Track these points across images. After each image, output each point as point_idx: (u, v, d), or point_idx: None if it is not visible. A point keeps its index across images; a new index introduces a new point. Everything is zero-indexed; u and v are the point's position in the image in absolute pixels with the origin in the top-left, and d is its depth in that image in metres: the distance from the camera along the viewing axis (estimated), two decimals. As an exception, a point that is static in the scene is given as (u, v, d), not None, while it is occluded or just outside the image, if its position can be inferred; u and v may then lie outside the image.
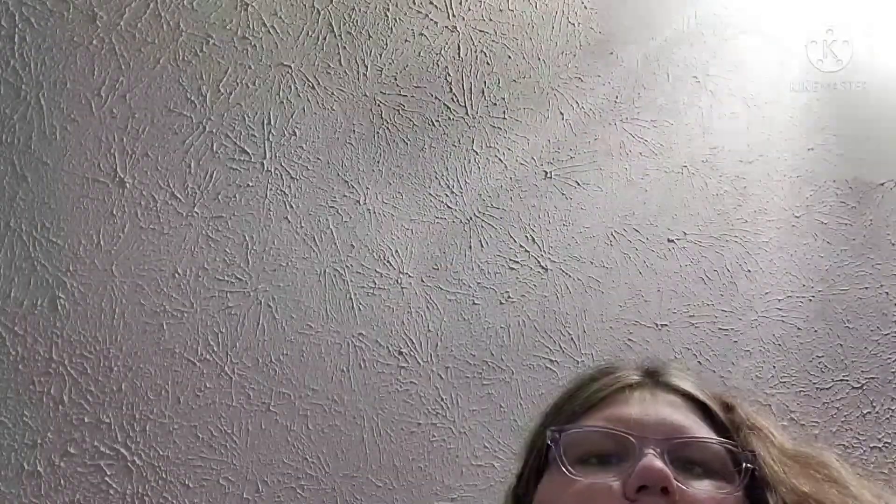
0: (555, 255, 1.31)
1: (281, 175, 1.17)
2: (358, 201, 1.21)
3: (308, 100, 1.19)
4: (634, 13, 1.37)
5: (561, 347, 1.31)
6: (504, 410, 1.27)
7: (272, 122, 1.17)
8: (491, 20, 1.29)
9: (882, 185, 1.51)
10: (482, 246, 1.27)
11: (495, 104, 1.29)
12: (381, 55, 1.23)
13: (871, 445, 1.49)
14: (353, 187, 1.21)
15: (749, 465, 0.60)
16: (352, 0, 1.22)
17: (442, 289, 1.25)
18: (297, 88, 1.18)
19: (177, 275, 1.11)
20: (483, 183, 1.28)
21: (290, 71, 1.18)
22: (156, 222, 1.11)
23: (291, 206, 1.17)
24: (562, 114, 1.32)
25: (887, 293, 1.50)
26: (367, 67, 1.22)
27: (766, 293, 1.43)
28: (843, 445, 1.47)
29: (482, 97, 1.28)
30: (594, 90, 1.34)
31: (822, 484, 0.62)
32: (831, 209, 1.48)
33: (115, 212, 1.09)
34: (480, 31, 1.28)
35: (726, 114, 1.42)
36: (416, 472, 1.22)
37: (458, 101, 1.27)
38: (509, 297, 1.28)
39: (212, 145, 1.14)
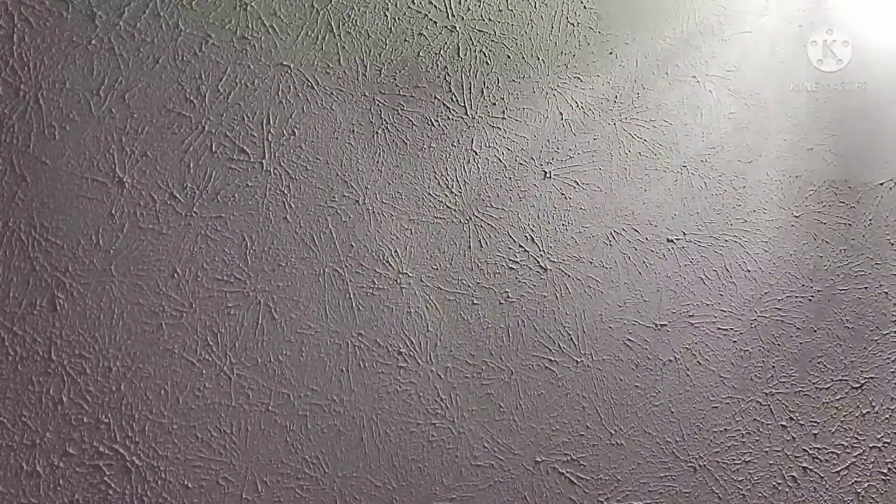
0: (554, 255, 1.31)
1: (280, 175, 1.17)
2: (357, 201, 1.21)
3: (307, 99, 1.19)
4: (634, 13, 1.37)
5: (560, 347, 1.31)
6: (503, 411, 1.27)
7: (271, 122, 1.17)
8: (490, 20, 1.29)
9: (881, 184, 1.51)
10: (481, 246, 1.27)
11: (494, 104, 1.29)
12: (380, 55, 1.23)
13: (871, 445, 1.49)
14: (352, 187, 1.21)
15: None
16: None
17: (441, 289, 1.25)
18: (296, 88, 1.18)
19: (176, 275, 1.11)
20: (482, 183, 1.28)
21: (289, 70, 1.18)
22: (155, 222, 1.11)
23: (290, 206, 1.17)
24: (561, 114, 1.32)
25: (886, 293, 1.50)
26: (366, 67, 1.22)
27: (766, 293, 1.43)
28: (843, 445, 1.47)
29: (481, 97, 1.28)
30: (593, 90, 1.34)
31: None
32: (831, 209, 1.48)
33: (113, 212, 1.09)
34: (480, 31, 1.28)
35: (725, 114, 1.42)
36: (415, 473, 1.22)
37: (457, 100, 1.26)
38: (508, 297, 1.28)
39: (211, 145, 1.14)
